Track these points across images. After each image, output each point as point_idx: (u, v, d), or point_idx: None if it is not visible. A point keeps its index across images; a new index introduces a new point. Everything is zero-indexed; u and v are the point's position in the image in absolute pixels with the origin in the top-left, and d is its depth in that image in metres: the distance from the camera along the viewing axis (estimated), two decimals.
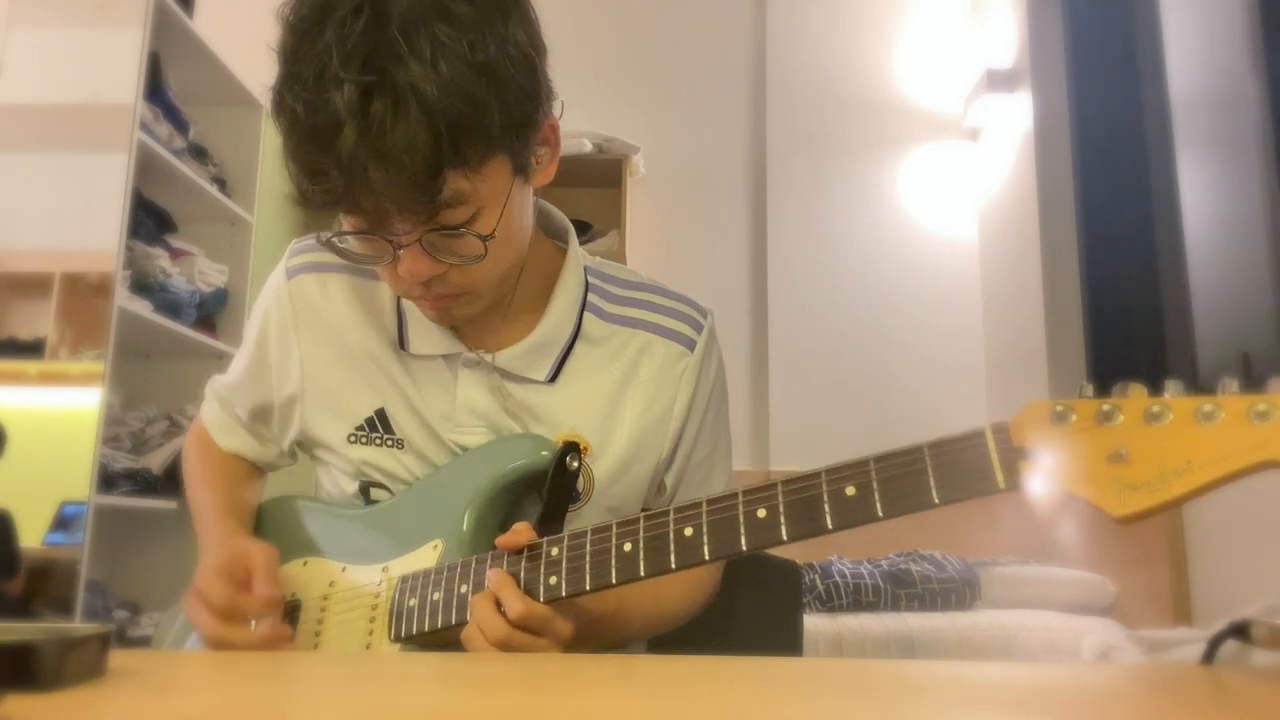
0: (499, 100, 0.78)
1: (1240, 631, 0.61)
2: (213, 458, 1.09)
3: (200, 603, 0.87)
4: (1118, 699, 0.56)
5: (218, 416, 1.11)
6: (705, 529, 0.74)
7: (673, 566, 0.75)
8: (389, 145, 0.74)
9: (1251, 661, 0.61)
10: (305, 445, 1.06)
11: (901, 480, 0.67)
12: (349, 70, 0.74)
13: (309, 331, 1.01)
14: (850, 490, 0.69)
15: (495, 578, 0.81)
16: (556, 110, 0.89)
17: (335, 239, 0.85)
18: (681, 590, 0.99)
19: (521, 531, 0.83)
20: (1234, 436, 0.56)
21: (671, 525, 0.76)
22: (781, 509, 0.71)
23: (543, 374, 0.96)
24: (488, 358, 0.95)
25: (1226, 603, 2.16)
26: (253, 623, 0.86)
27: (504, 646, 0.79)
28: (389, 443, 0.97)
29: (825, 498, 0.69)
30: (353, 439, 0.98)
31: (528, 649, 0.79)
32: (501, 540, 0.84)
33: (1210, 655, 0.61)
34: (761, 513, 0.72)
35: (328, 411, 1.00)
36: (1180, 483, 0.57)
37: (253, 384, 1.06)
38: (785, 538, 0.71)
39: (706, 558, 0.74)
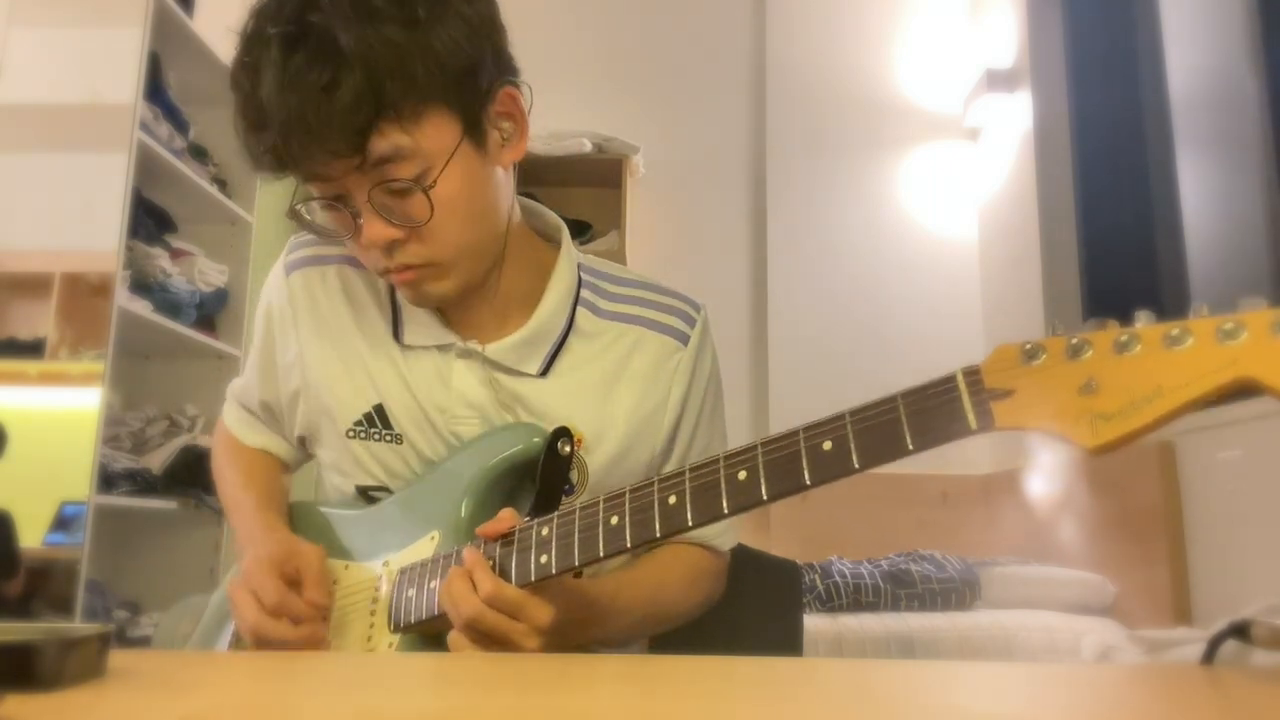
0: (425, 49, 0.80)
1: (1240, 631, 0.60)
2: (242, 455, 1.10)
3: (248, 594, 0.87)
4: (1118, 699, 0.56)
5: (239, 417, 1.13)
6: (688, 495, 0.74)
7: (658, 534, 0.75)
8: (307, 87, 0.78)
9: (1251, 661, 0.61)
10: (307, 441, 1.07)
11: (876, 430, 0.67)
12: (275, 26, 0.79)
13: (308, 326, 1.02)
14: (827, 445, 0.69)
15: (469, 556, 0.81)
16: (526, 95, 0.91)
17: (302, 209, 0.88)
18: (681, 582, 0.99)
19: (504, 519, 0.84)
20: (1203, 358, 0.55)
21: (656, 494, 0.76)
22: (761, 469, 0.71)
23: (534, 367, 0.96)
24: (479, 348, 0.95)
25: (1226, 603, 2.16)
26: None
27: (475, 623, 0.78)
28: (387, 438, 0.98)
29: (803, 454, 0.70)
30: (351, 434, 0.99)
31: (501, 630, 0.79)
32: (482, 529, 0.84)
33: (1210, 655, 0.61)
34: (742, 474, 0.72)
35: (327, 405, 1.00)
36: (1151, 409, 0.56)
37: (262, 382, 1.08)
38: (765, 497, 0.71)
39: (690, 523, 0.74)
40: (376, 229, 0.85)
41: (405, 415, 0.97)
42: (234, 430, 1.12)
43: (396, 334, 0.98)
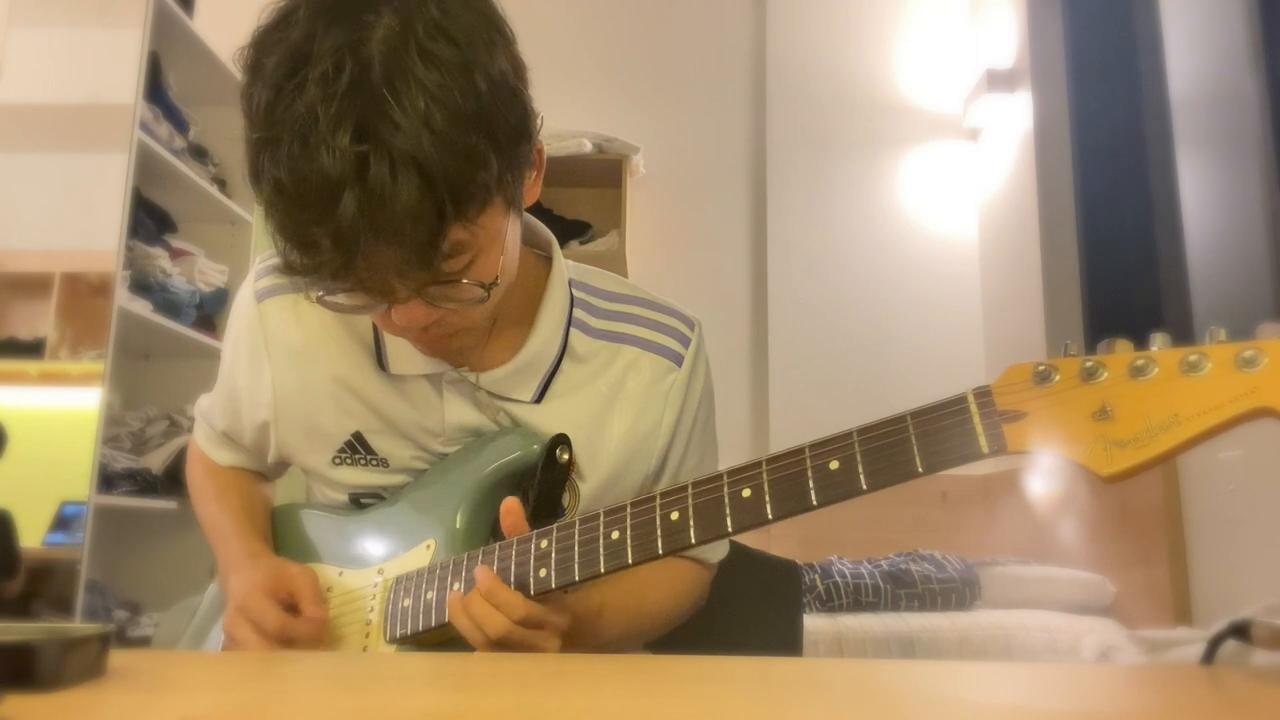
0: (494, 148, 0.74)
1: (1240, 631, 0.60)
2: (217, 474, 1.08)
3: (249, 625, 0.87)
4: (1118, 699, 0.56)
5: (207, 435, 1.10)
6: (691, 512, 0.73)
7: (660, 552, 0.74)
8: (390, 215, 0.69)
9: (1251, 661, 0.61)
10: (285, 463, 1.05)
11: (885, 451, 0.65)
12: (339, 136, 0.69)
13: (280, 357, 0.98)
14: (834, 464, 0.67)
15: (483, 578, 0.80)
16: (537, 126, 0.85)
17: (325, 296, 0.80)
18: (664, 595, 0.98)
19: (512, 509, 0.82)
20: (1221, 386, 0.54)
21: (658, 510, 0.75)
22: (766, 487, 0.70)
23: (529, 394, 0.94)
24: (472, 378, 0.93)
25: (1226, 603, 2.16)
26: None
27: (503, 643, 0.78)
28: (373, 463, 0.96)
29: (809, 473, 0.68)
30: (337, 461, 0.97)
31: (529, 643, 0.79)
32: (507, 514, 0.82)
33: (1210, 655, 0.61)
34: (746, 492, 0.71)
35: (305, 437, 0.98)
36: (1167, 437, 0.55)
37: (225, 412, 1.05)
38: (770, 517, 0.69)
39: (693, 540, 0.73)
40: (418, 314, 0.79)
41: (385, 442, 0.95)
42: (204, 449, 1.10)
43: (381, 363, 0.95)
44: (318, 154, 0.69)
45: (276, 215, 0.73)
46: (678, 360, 0.98)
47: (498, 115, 0.74)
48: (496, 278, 0.80)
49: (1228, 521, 2.21)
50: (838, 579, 2.49)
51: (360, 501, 0.99)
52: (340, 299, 0.80)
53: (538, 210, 0.99)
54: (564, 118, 3.47)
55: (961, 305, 3.58)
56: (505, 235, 0.81)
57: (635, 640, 0.99)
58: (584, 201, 3.59)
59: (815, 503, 0.68)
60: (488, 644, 0.79)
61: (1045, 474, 2.91)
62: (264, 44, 0.74)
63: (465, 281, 0.78)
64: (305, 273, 0.75)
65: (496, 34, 0.77)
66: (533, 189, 0.87)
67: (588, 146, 3.48)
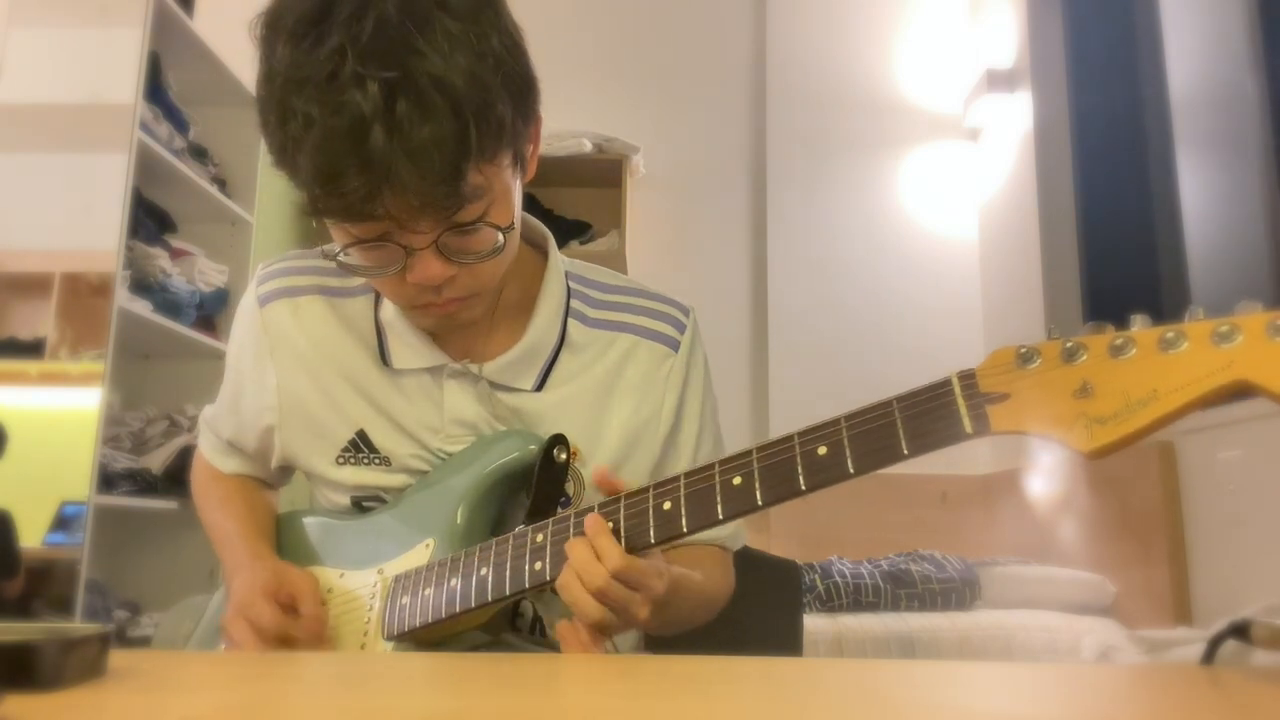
0: (508, 90, 0.78)
1: (1240, 631, 0.60)
2: (222, 483, 1.09)
3: (246, 625, 0.87)
4: (1118, 699, 0.56)
5: (213, 444, 1.11)
6: (683, 501, 0.74)
7: (652, 541, 0.76)
8: (418, 141, 0.72)
9: (1251, 661, 0.61)
10: (290, 469, 1.06)
11: (872, 435, 0.67)
12: (369, 68, 0.72)
13: (284, 360, 0.99)
14: (822, 450, 0.69)
15: (592, 523, 0.78)
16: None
17: (343, 252, 0.82)
18: (717, 573, 0.98)
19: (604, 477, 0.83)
20: (1198, 361, 0.55)
21: (651, 501, 0.76)
22: (756, 474, 0.71)
23: (530, 383, 0.96)
24: (474, 368, 0.94)
25: (1226, 603, 2.16)
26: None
27: (600, 597, 0.76)
28: (375, 461, 0.97)
29: (798, 459, 0.70)
30: (340, 461, 0.98)
31: (622, 602, 0.76)
32: (599, 478, 0.83)
33: (1210, 655, 0.61)
34: (737, 480, 0.72)
35: (310, 437, 0.99)
36: (1146, 412, 0.56)
37: (230, 420, 1.06)
38: (760, 503, 0.71)
39: (685, 530, 0.74)
40: (435, 267, 0.81)
41: (388, 439, 0.96)
42: (209, 458, 1.11)
43: (384, 358, 0.96)
44: (346, 89, 0.72)
45: (305, 151, 0.74)
46: (674, 346, 1.00)
47: (507, 62, 0.78)
48: (512, 221, 0.83)
49: (1228, 521, 2.21)
50: (838, 579, 2.49)
51: (362, 505, 1.00)
52: (355, 257, 0.82)
53: (538, 210, 1.00)
54: (564, 118, 3.47)
55: (961, 305, 3.58)
56: (513, 194, 0.85)
57: (701, 617, 0.97)
58: (584, 201, 3.59)
59: (804, 487, 0.69)
60: (587, 600, 0.76)
61: (1045, 473, 2.91)
62: (279, 8, 0.77)
63: (483, 223, 0.80)
64: (330, 209, 0.77)
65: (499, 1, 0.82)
66: (530, 164, 0.90)
67: (588, 146, 3.48)
